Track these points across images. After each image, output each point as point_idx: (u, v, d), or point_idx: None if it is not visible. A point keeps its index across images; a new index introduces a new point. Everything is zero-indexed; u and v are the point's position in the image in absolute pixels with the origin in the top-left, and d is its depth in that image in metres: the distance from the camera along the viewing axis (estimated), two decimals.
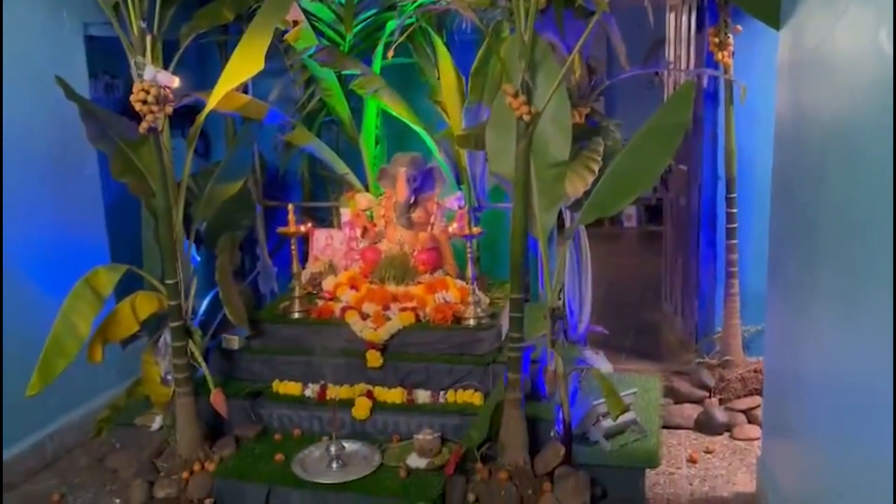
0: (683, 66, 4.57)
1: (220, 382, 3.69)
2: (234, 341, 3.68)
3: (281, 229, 3.71)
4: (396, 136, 4.41)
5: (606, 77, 4.49)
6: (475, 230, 3.49)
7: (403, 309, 3.56)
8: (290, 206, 3.68)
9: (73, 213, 3.96)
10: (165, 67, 3.47)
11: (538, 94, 2.79)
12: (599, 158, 3.72)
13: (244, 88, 4.26)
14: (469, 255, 3.49)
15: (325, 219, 4.55)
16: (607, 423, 3.31)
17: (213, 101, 3.28)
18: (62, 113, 3.36)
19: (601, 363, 4.29)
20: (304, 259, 4.33)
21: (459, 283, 3.70)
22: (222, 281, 3.50)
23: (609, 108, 8.27)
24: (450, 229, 3.54)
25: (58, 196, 3.85)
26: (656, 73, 5.82)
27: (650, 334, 5.20)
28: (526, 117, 2.75)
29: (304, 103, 4.27)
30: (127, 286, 3.62)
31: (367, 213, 4.07)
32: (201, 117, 3.34)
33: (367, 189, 4.25)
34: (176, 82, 2.97)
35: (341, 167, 4.20)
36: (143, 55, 2.95)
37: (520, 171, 2.84)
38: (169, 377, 3.58)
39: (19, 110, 3.55)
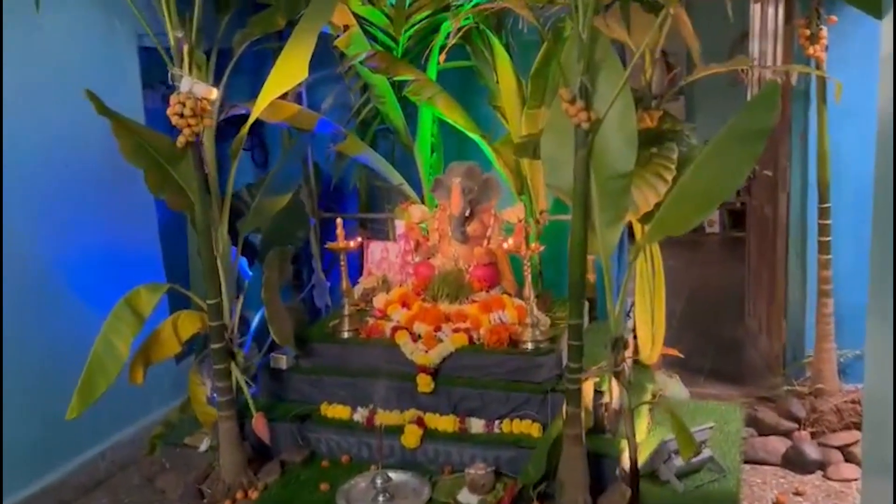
0: (770, 62, 4.17)
1: (268, 403, 3.56)
2: (282, 360, 3.53)
3: (330, 244, 3.54)
4: (454, 145, 4.18)
5: (686, 75, 4.16)
6: (534, 247, 3.22)
7: (456, 330, 3.33)
8: (339, 220, 3.50)
9: (127, 228, 3.89)
10: (219, 77, 3.38)
11: (599, 97, 2.50)
12: (673, 167, 3.39)
13: (297, 97, 4.13)
14: (526, 273, 3.22)
15: (382, 231, 4.37)
16: (680, 460, 2.99)
17: (256, 110, 3.13)
18: None
19: (676, 389, 3.94)
20: (359, 273, 4.16)
21: (518, 301, 3.44)
22: (268, 298, 3.35)
23: (690, 109, 7.79)
24: (505, 245, 3.28)
25: (112, 211, 3.79)
26: (742, 71, 5.41)
27: (732, 354, 4.79)
28: (584, 125, 2.47)
29: (357, 111, 4.10)
30: (180, 304, 3.53)
31: (422, 226, 3.86)
32: (244, 129, 3.20)
33: (422, 200, 4.04)
34: (214, 94, 2.83)
35: (396, 177, 4.00)
36: (181, 66, 2.82)
37: (579, 184, 2.56)
38: (214, 398, 3.46)
39: (71, 121, 3.50)
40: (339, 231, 3.49)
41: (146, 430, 3.94)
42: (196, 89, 2.77)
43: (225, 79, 3.78)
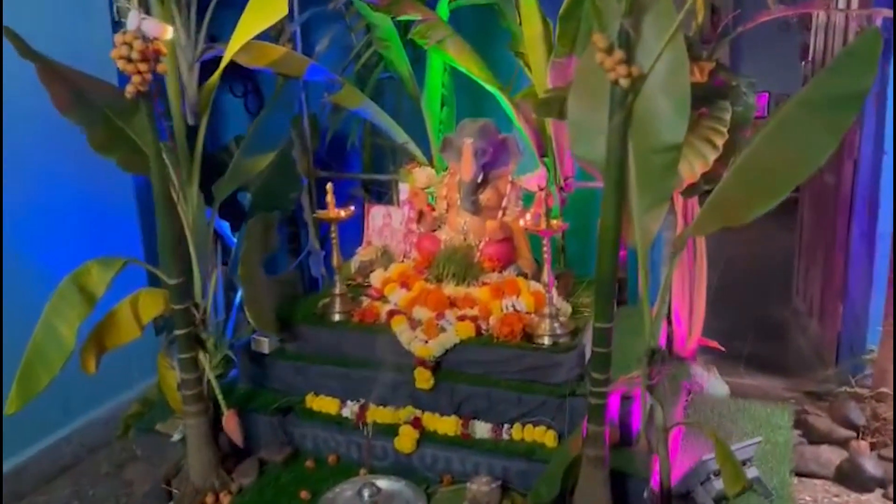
0: (846, 3, 3.54)
1: (248, 391, 3.15)
2: (263, 343, 3.09)
3: (319, 213, 3.05)
4: (468, 98, 3.63)
5: (732, 20, 3.58)
6: (556, 224, 2.71)
7: (462, 318, 2.85)
8: (329, 185, 3.01)
9: (98, 194, 3.44)
10: (203, 10, 2.87)
11: (643, 47, 1.95)
12: (725, 130, 2.86)
13: (290, 38, 3.60)
14: (546, 255, 2.72)
15: (388, 194, 3.87)
16: (720, 482, 2.53)
17: (229, 53, 2.62)
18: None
19: (715, 384, 3.46)
20: (361, 241, 3.69)
21: (535, 285, 2.95)
22: (244, 275, 2.89)
23: (733, 60, 7.04)
24: (521, 222, 2.76)
25: (81, 175, 3.33)
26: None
27: (776, 338, 4.28)
28: (624, 81, 1.93)
29: (357, 56, 3.56)
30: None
31: (428, 191, 3.36)
32: (215, 76, 2.70)
33: (430, 162, 3.52)
34: (168, 33, 2.31)
35: (400, 134, 3.48)
36: None
37: (613, 157, 2.03)
38: None
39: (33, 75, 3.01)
40: (329, 197, 3.00)
41: (123, 408, 3.57)
42: (146, 27, 2.26)
43: (209, 13, 3.28)
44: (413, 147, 3.50)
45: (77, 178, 3.35)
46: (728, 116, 2.87)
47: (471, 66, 3.20)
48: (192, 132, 3.54)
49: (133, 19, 2.26)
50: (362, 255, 3.44)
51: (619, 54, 1.91)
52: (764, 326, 4.40)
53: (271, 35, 3.77)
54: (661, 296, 2.25)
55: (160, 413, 3.37)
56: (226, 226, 3.64)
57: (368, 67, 3.64)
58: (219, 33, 3.69)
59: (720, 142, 2.84)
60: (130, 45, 2.25)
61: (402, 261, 3.36)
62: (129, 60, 2.28)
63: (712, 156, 2.85)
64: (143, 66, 2.28)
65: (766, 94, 7.51)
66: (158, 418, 3.36)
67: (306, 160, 3.77)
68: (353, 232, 3.80)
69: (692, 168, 2.86)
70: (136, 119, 2.45)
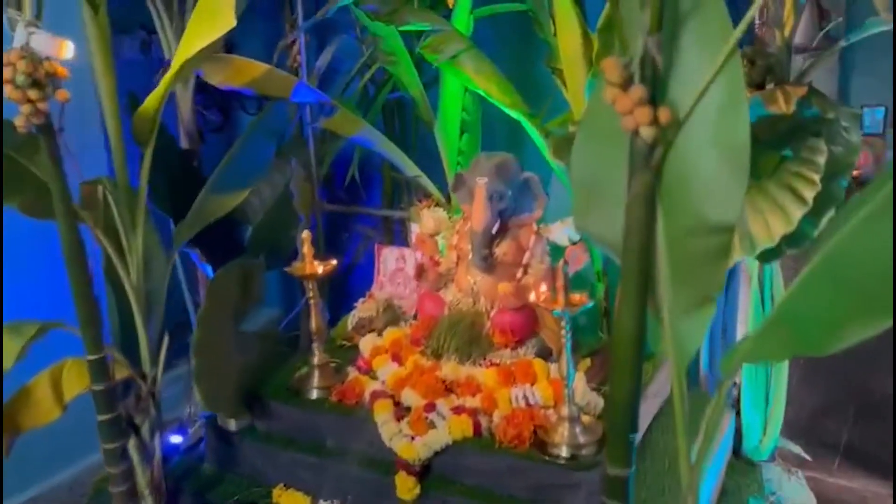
0: None
1: (212, 474, 2.63)
2: (230, 419, 2.58)
3: (291, 268, 2.50)
4: (504, 124, 3.01)
5: (845, 27, 2.86)
6: (576, 299, 2.05)
7: (458, 410, 2.23)
8: (306, 234, 2.45)
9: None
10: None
11: (679, 78, 1.29)
12: (818, 177, 2.17)
13: (284, 50, 3.08)
14: (565, 334, 2.05)
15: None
16: None
17: (173, 71, 2.10)
18: None
19: (797, 494, 2.72)
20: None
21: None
22: (199, 343, 2.37)
23: (845, 77, 6.04)
24: (532, 295, 2.11)
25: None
26: None
27: (880, 422, 3.46)
28: (646, 131, 1.27)
29: (361, 73, 3.00)
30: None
31: (439, 238, 2.76)
32: (156, 96, 2.17)
33: (448, 199, 2.92)
34: (66, 50, 1.80)
35: (410, 166, 2.90)
36: (19, 5, 1.82)
37: (634, 239, 1.37)
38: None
39: None
40: (306, 248, 2.45)
41: (94, 470, 3.15)
42: (36, 42, 1.76)
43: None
44: (426, 181, 2.91)
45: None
46: (822, 160, 2.17)
47: (490, 88, 2.58)
48: (184, 160, 3.06)
49: (20, 34, 1.77)
50: (361, 309, 2.87)
51: (638, 91, 1.25)
52: (866, 406, 3.57)
53: (281, 48, 3.27)
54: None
55: None
56: (207, 268, 3.15)
57: (378, 86, 3.07)
58: (237, 42, 3.22)
59: (810, 194, 2.14)
60: (14, 66, 1.76)
61: (405, 321, 2.77)
62: (17, 86, 1.78)
63: (798, 212, 2.16)
64: (33, 94, 1.79)
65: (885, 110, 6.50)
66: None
67: (309, 192, 3.23)
68: (368, 274, 3.25)
69: (769, 229, 2.18)
70: (38, 157, 1.96)
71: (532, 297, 2.09)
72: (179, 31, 3.15)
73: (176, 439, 2.92)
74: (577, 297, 2.05)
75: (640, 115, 1.27)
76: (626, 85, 1.28)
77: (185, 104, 3.22)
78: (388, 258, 3.16)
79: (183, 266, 3.28)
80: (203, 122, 3.65)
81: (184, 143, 3.29)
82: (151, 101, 2.11)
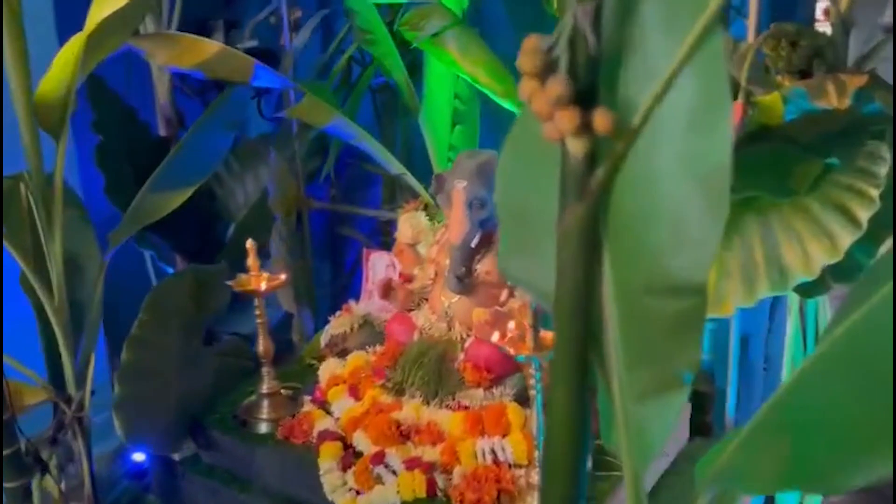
0: None
1: None
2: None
3: (235, 282, 2.16)
4: (505, 114, 2.59)
5: None
6: (549, 339, 1.64)
7: (412, 464, 1.85)
8: (250, 244, 2.11)
9: None
10: None
11: (631, 68, 0.87)
12: (875, 194, 1.72)
13: (278, 19, 2.73)
14: (534, 384, 1.65)
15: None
16: None
17: (79, 43, 1.77)
18: None
19: None
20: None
21: None
22: (126, 366, 2.07)
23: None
24: (494, 336, 1.71)
25: None
26: None
27: None
28: (574, 144, 0.86)
29: (338, 54, 2.63)
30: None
31: (419, 247, 2.38)
32: (55, 79, 1.85)
33: (437, 203, 2.53)
34: None
35: (392, 163, 2.52)
36: None
37: (565, 294, 0.96)
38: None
39: None
40: (251, 260, 2.11)
41: None
42: None
43: None
44: (412, 181, 2.53)
45: None
46: (884, 170, 1.72)
47: (477, 72, 2.17)
48: (160, 149, 2.77)
49: None
50: (334, 324, 2.52)
51: (556, 85, 0.84)
52: None
53: (270, 22, 2.93)
54: None
55: None
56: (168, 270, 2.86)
57: (364, 69, 2.70)
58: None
59: (865, 214, 1.70)
60: None
61: (382, 343, 2.40)
62: None
63: (848, 237, 1.72)
64: None
65: None
66: None
67: (294, 188, 2.89)
68: (358, 280, 2.91)
69: (808, 258, 1.76)
70: None
71: (495, 337, 1.68)
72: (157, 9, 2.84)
73: (139, 457, 2.65)
74: (549, 337, 1.64)
75: (561, 119, 0.86)
76: (544, 76, 0.88)
77: (163, 86, 2.92)
78: (377, 264, 2.80)
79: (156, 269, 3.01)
80: (203, 104, 3.34)
81: (161, 131, 3.00)
82: (52, 80, 1.78)
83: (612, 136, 0.89)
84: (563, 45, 0.87)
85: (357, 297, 2.77)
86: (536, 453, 1.70)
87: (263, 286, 2.09)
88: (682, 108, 0.89)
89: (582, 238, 0.96)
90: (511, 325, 1.68)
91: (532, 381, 1.62)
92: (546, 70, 0.87)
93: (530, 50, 0.87)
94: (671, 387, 1.01)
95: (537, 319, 1.59)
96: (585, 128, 0.87)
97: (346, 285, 3.31)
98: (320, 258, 3.16)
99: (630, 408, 1.03)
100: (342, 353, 2.40)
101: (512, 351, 1.57)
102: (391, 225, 3.02)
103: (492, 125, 2.61)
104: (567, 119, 0.85)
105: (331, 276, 3.32)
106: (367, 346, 2.36)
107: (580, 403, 1.03)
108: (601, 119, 0.87)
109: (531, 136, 1.03)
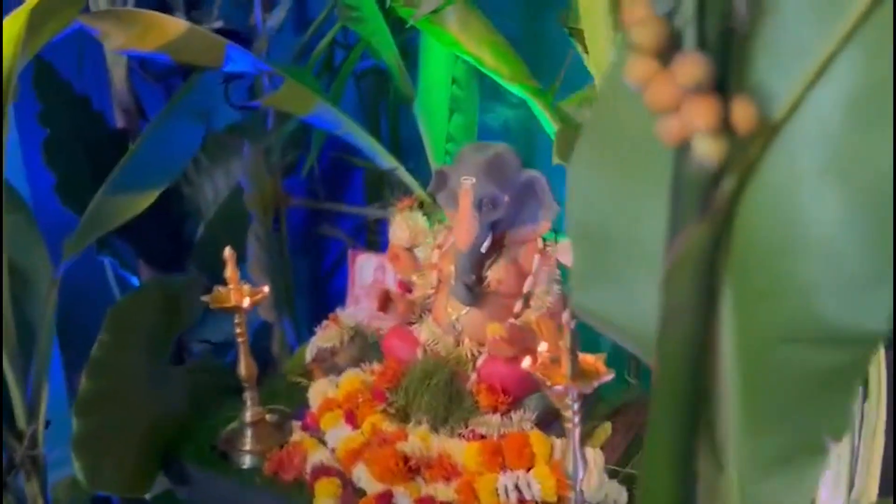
0: None
1: None
2: None
3: (211, 297, 1.90)
4: (492, 99, 2.36)
5: None
6: (590, 364, 1.41)
7: None
8: (228, 252, 1.85)
9: None
10: None
11: (769, 49, 0.64)
12: None
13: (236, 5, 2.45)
14: (572, 417, 1.43)
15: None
16: None
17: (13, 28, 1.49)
18: None
19: None
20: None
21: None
22: (85, 397, 1.80)
23: None
24: (526, 361, 1.48)
25: None
26: None
27: None
28: (707, 147, 0.63)
29: (319, 35, 2.36)
30: None
31: (417, 251, 2.13)
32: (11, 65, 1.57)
33: (434, 200, 2.28)
34: None
35: (384, 155, 2.27)
36: None
37: (674, 341, 0.74)
38: None
39: None
40: (230, 270, 1.85)
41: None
42: None
43: None
44: (406, 176, 2.28)
45: None
46: None
47: (482, 53, 1.92)
48: (117, 142, 2.47)
49: None
50: (321, 337, 2.26)
51: (692, 65, 0.60)
52: None
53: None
54: None
55: None
56: (133, 280, 2.58)
57: (349, 52, 2.44)
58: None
59: None
60: None
61: (379, 359, 2.14)
62: None
63: None
64: None
65: None
66: None
67: (271, 183, 2.62)
68: (343, 284, 2.66)
69: None
70: None
71: (526, 363, 1.45)
72: None
73: None
74: (590, 361, 1.41)
75: (696, 111, 0.63)
76: (667, 53, 0.64)
77: (119, 70, 2.62)
78: (365, 267, 2.55)
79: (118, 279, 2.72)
80: (165, 90, 3.04)
81: (118, 122, 2.70)
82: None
83: (750, 137, 0.66)
84: (691, 11, 0.63)
85: (342, 304, 2.52)
86: (574, 490, 1.47)
87: (246, 302, 1.83)
88: (839, 98, 0.66)
89: (700, 268, 0.72)
90: (543, 346, 1.44)
91: (569, 414, 1.39)
92: (667, 45, 0.63)
93: (644, 18, 0.63)
94: (807, 454, 0.79)
95: (575, 342, 1.35)
96: (723, 126, 0.63)
97: (326, 290, 3.06)
98: (299, 260, 2.89)
99: (750, 486, 0.81)
100: (332, 370, 2.15)
101: (548, 381, 1.34)
102: (378, 224, 2.78)
103: (495, 115, 2.38)
104: (705, 111, 0.61)
105: (311, 280, 3.06)
106: (361, 363, 2.11)
107: (685, 479, 0.81)
108: (742, 112, 0.64)
109: (621, 134, 0.80)
